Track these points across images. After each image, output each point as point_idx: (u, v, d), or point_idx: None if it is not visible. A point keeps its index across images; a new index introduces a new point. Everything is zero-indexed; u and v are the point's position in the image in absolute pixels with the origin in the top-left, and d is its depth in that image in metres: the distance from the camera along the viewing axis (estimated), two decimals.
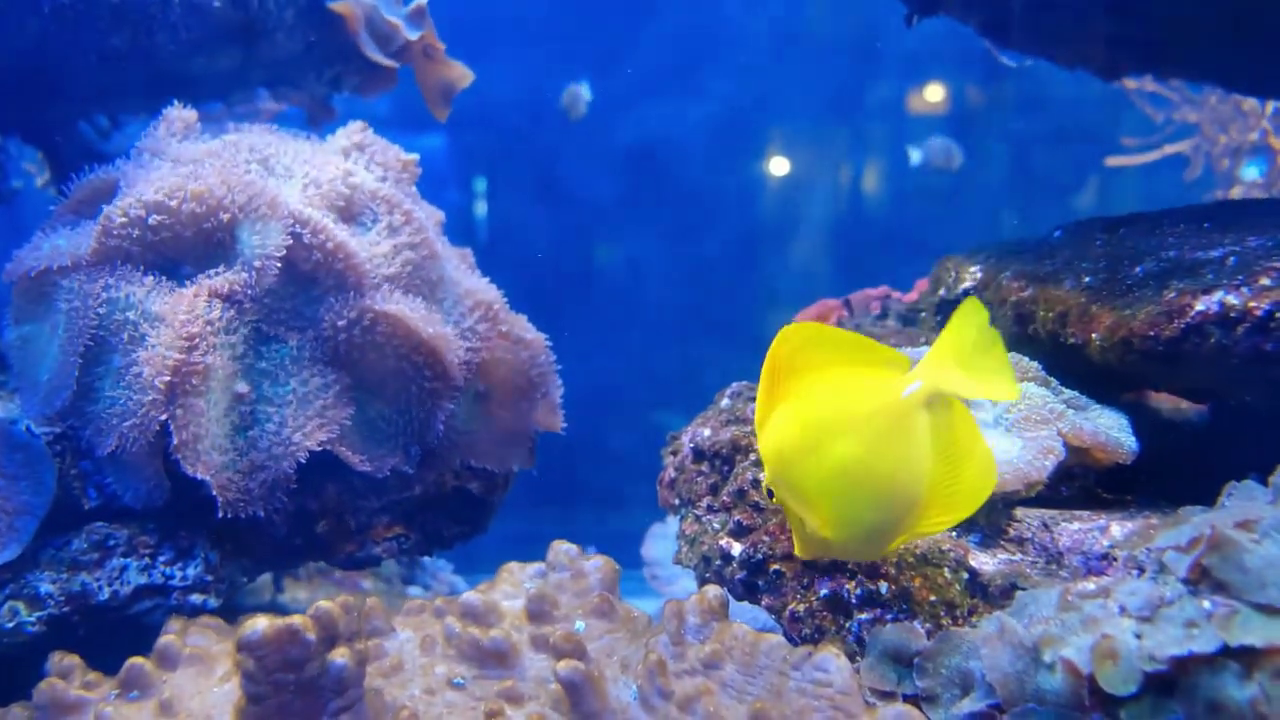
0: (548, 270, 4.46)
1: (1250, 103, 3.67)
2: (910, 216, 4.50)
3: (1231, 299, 1.13)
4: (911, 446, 0.97)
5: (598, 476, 4.06)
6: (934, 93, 4.68)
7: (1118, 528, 1.15)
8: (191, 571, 1.43)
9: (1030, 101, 4.57)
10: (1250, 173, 3.70)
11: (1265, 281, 1.13)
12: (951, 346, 0.97)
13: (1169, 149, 3.74)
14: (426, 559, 2.90)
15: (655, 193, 4.67)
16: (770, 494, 1.05)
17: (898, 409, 0.97)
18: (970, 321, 0.97)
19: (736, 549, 1.33)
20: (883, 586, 1.18)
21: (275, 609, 2.08)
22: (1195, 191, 3.79)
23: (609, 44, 4.64)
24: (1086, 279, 1.33)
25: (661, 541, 2.61)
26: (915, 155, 4.02)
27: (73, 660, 1.22)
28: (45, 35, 1.67)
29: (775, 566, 1.26)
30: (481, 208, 4.71)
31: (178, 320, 1.34)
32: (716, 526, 1.40)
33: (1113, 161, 3.82)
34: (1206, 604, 0.93)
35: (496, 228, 4.69)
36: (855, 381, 1.01)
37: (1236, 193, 3.69)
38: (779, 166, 4.80)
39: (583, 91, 3.98)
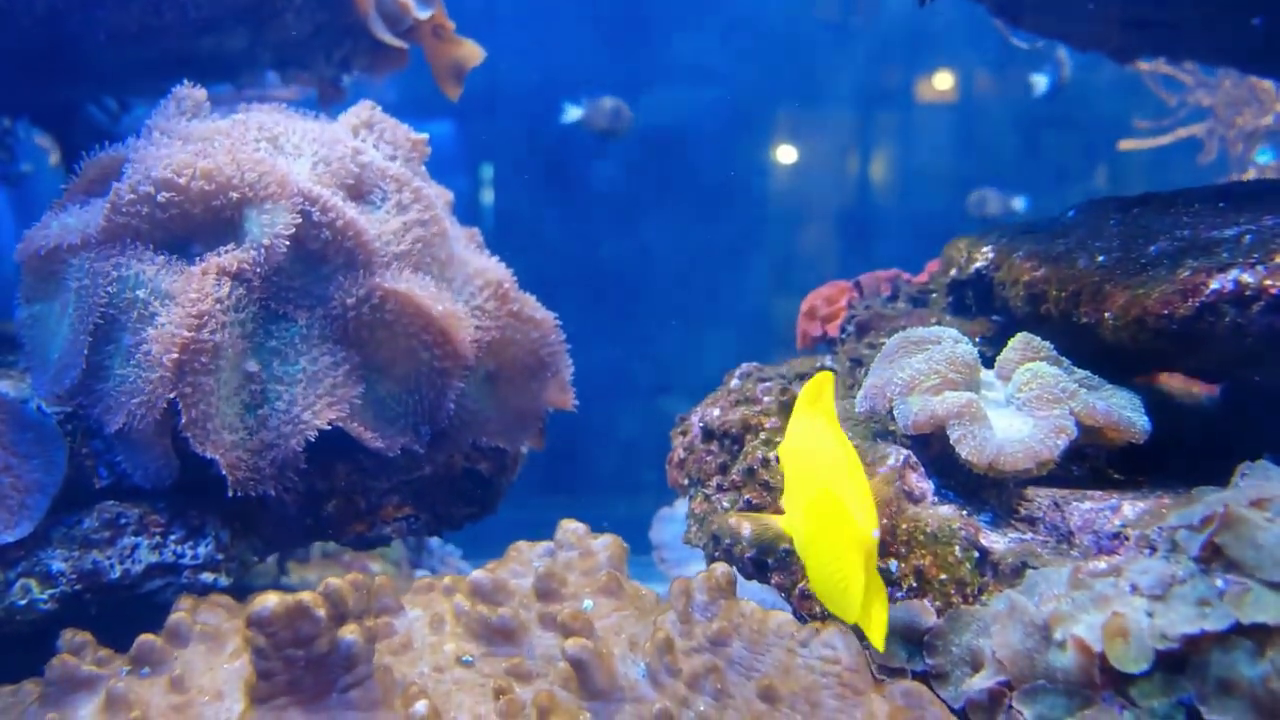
0: (554, 256, 4.46)
1: (1265, 86, 3.64)
2: (917, 201, 4.49)
3: (1247, 277, 1.12)
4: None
5: (604, 462, 4.07)
6: (943, 80, 4.65)
7: (1129, 507, 1.14)
8: (202, 550, 1.44)
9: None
10: (1264, 157, 3.67)
11: None
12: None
13: (1182, 132, 3.71)
14: (435, 543, 2.91)
15: (663, 178, 4.66)
16: None
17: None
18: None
19: (746, 528, 1.33)
20: (893, 564, 1.17)
21: (284, 590, 2.09)
22: (1207, 176, 3.77)
23: (618, 29, 4.63)
24: (1100, 258, 1.32)
25: (669, 525, 2.61)
26: (1041, 81, 3.91)
27: (84, 637, 1.23)
28: (54, 15, 1.67)
29: (785, 545, 1.26)
30: (489, 194, 4.70)
31: (187, 298, 1.33)
32: (726, 505, 1.40)
33: (1126, 145, 3.79)
34: (1219, 582, 0.93)
35: (504, 213, 4.68)
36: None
37: (1250, 177, 3.66)
38: (787, 152, 4.78)
39: (610, 107, 3.89)
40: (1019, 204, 4.10)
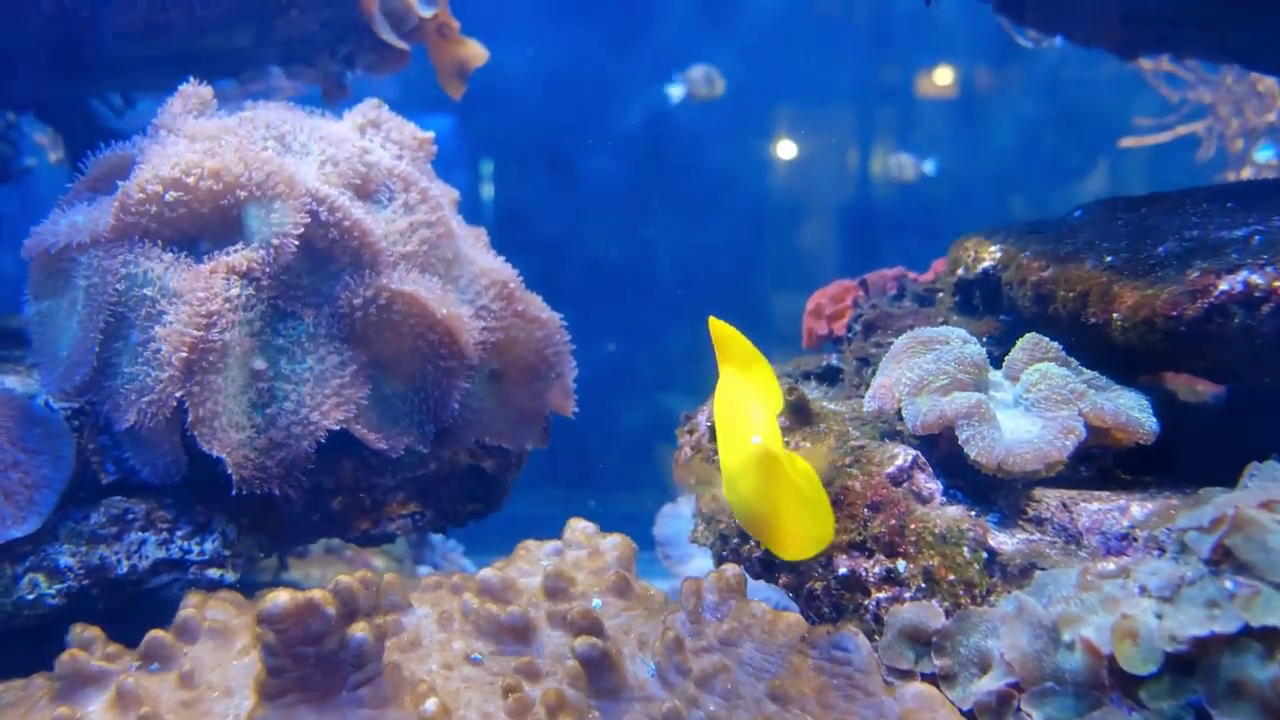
0: (556, 251, 4.46)
1: (1266, 83, 3.64)
2: (919, 199, 4.49)
3: (1256, 278, 1.12)
4: (764, 482, 1.07)
5: (606, 458, 4.07)
6: (944, 75, 4.65)
7: (1138, 508, 1.15)
8: (209, 546, 1.44)
9: (1041, 84, 4.55)
10: (1264, 154, 3.67)
11: None
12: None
13: (1182, 129, 3.71)
14: (436, 539, 2.91)
15: (666, 175, 4.66)
16: None
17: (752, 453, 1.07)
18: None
19: None
20: (901, 565, 1.18)
21: (290, 587, 2.08)
22: (1205, 174, 3.76)
23: (621, 25, 4.62)
24: (1108, 258, 1.32)
25: (673, 521, 2.60)
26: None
27: (94, 632, 1.23)
28: (61, 11, 1.67)
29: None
30: (490, 190, 4.70)
31: (196, 297, 1.34)
32: None
33: (1126, 142, 3.79)
34: (1229, 584, 0.93)
35: (505, 210, 4.68)
36: (744, 404, 1.16)
37: (1246, 175, 3.66)
38: (789, 149, 4.78)
39: (702, 75, 3.95)
40: (929, 167, 4.34)
